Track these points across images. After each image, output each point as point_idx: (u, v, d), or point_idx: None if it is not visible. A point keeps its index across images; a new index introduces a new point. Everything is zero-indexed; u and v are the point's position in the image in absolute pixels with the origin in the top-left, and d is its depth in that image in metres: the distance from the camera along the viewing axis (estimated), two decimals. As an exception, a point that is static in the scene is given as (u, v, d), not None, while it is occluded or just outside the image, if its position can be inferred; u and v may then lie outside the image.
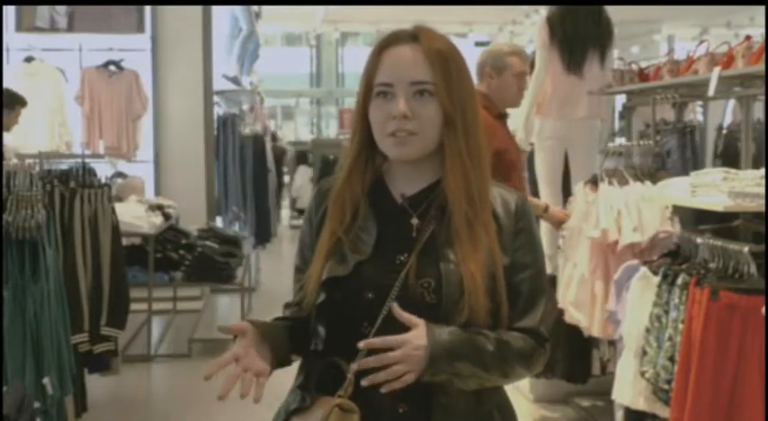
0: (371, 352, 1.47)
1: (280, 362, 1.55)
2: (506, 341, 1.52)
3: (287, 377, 1.68)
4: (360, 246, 1.55)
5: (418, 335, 1.45)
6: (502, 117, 3.66)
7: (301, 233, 1.69)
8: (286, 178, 14.09)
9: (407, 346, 1.44)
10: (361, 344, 1.45)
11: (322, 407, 1.48)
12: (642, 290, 3.14)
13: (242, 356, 1.47)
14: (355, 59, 20.96)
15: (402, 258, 1.54)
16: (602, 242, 3.59)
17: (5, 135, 5.79)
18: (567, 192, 4.65)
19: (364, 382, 1.44)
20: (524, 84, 3.76)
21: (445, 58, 1.54)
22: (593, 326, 3.73)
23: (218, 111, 7.96)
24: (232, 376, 1.45)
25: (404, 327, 1.48)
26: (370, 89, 1.56)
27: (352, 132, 1.62)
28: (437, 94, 1.53)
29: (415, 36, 1.56)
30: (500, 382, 1.58)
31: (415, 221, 1.57)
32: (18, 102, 5.71)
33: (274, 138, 16.00)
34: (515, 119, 4.34)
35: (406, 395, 1.50)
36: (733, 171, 3.17)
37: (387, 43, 1.57)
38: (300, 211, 13.03)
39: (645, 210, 3.51)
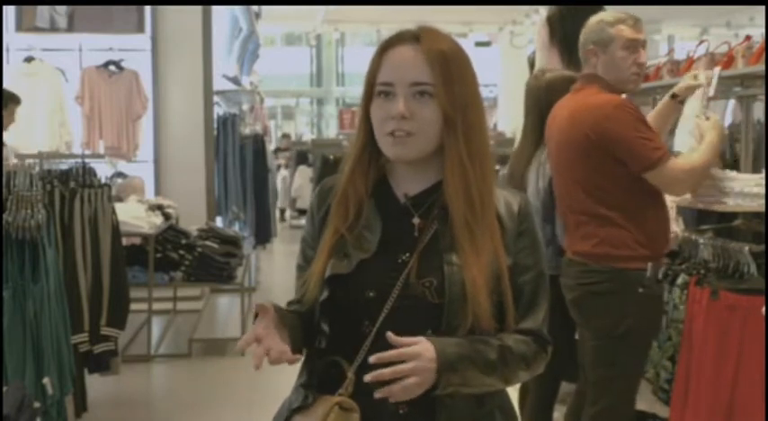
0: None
1: (295, 350, 1.52)
2: (509, 347, 1.52)
3: (286, 378, 1.68)
4: (363, 243, 1.55)
5: (428, 349, 1.44)
6: None
7: (303, 231, 1.69)
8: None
9: (421, 359, 1.43)
10: (373, 359, 1.43)
11: (323, 406, 1.49)
12: (642, 290, 3.13)
13: (263, 336, 1.45)
14: (355, 59, 20.98)
15: (404, 257, 1.54)
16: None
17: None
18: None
19: (378, 395, 1.43)
20: (642, 57, 2.98)
21: (446, 59, 1.54)
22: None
23: (218, 111, 7.96)
24: (258, 356, 1.43)
25: (407, 326, 1.48)
26: (373, 88, 1.57)
27: (356, 131, 1.62)
28: (437, 95, 1.53)
29: (417, 37, 1.56)
30: (501, 387, 1.58)
31: (416, 221, 1.57)
32: (11, 100, 5.65)
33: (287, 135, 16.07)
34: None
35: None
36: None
37: (390, 43, 1.57)
38: (301, 212, 13.01)
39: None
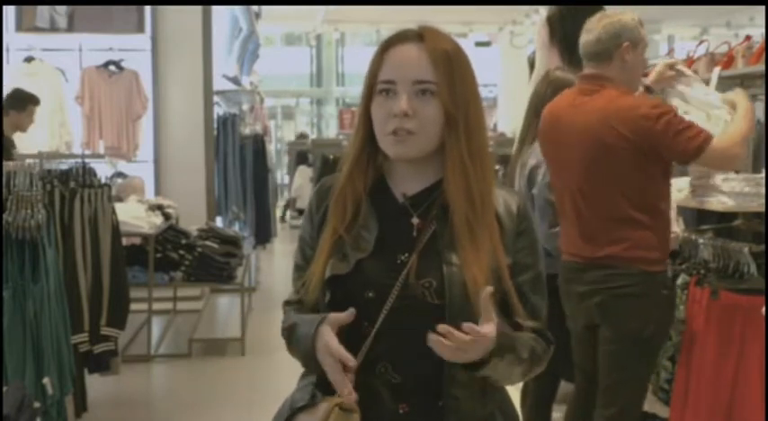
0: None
1: None
2: (533, 346, 1.54)
3: (286, 378, 1.68)
4: (361, 243, 1.55)
5: (491, 334, 1.43)
6: None
7: (302, 231, 1.69)
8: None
9: (482, 341, 1.41)
10: (441, 327, 1.39)
11: (324, 406, 1.49)
12: (642, 290, 3.13)
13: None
14: (355, 59, 20.98)
15: (403, 258, 1.54)
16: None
17: (19, 134, 5.85)
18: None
19: (430, 337, 1.40)
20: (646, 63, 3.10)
21: (449, 59, 1.54)
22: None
23: (218, 111, 7.96)
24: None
25: (407, 327, 1.48)
26: (373, 86, 1.56)
27: (355, 130, 1.62)
28: (439, 93, 1.53)
29: (420, 35, 1.56)
30: (518, 382, 1.59)
31: (415, 221, 1.57)
32: (30, 101, 5.77)
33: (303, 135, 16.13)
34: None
35: (407, 395, 1.50)
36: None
37: (392, 42, 1.57)
38: (300, 212, 13.02)
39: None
